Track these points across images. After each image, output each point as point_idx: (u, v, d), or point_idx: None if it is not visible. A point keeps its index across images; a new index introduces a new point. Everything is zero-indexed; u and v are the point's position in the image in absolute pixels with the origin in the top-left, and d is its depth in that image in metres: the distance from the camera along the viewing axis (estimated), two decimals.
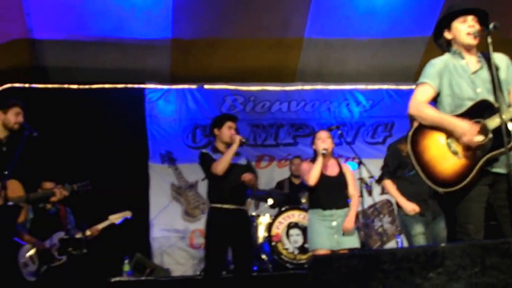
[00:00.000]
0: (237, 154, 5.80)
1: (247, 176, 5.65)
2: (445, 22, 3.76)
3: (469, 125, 3.47)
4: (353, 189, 5.81)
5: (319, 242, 5.46)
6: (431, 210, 5.43)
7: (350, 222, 5.60)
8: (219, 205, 5.63)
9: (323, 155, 5.55)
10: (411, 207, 5.42)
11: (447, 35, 3.77)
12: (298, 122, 9.38)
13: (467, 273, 2.35)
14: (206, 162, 5.70)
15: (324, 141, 5.62)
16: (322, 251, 5.39)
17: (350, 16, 8.46)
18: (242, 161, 5.88)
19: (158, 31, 8.25)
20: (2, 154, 4.95)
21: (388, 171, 5.68)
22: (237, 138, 5.64)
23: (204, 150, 5.84)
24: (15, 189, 4.82)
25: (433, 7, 8.04)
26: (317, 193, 5.59)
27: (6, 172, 4.69)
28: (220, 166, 5.54)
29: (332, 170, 5.66)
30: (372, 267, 2.59)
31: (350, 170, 5.92)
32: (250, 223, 6.22)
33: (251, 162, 6.11)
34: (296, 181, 8.31)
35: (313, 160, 5.69)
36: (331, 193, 5.58)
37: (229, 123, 5.79)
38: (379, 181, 5.96)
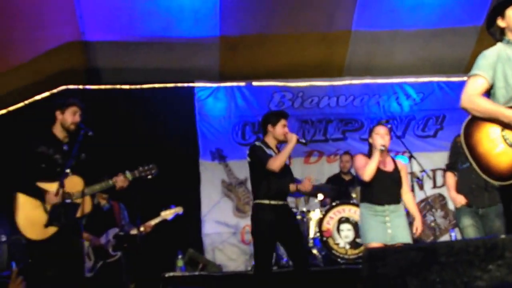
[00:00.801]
0: None
1: (308, 187, 5.71)
2: (499, 10, 3.67)
3: None
4: (407, 187, 5.73)
5: (372, 236, 5.37)
6: (478, 201, 5.43)
7: (421, 224, 5.57)
8: (266, 201, 5.63)
9: (381, 151, 5.47)
10: (457, 200, 5.60)
11: (501, 23, 3.67)
12: (347, 117, 9.35)
13: None
14: (260, 156, 5.64)
15: (383, 137, 5.53)
16: (375, 245, 5.33)
17: (397, 8, 8.35)
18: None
19: (206, 30, 8.33)
20: (63, 154, 5.05)
21: (450, 163, 5.87)
22: (294, 137, 5.62)
23: (257, 143, 5.81)
24: (75, 184, 4.90)
25: None
26: (371, 188, 5.46)
27: (66, 171, 4.78)
28: (277, 163, 5.48)
29: (388, 166, 5.56)
30: (430, 260, 2.56)
31: (405, 167, 5.84)
32: (295, 218, 6.25)
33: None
34: (346, 177, 8.28)
35: (369, 154, 5.63)
36: (385, 189, 5.46)
37: (283, 121, 5.78)
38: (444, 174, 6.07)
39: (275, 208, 5.58)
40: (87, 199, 5.05)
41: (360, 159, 5.64)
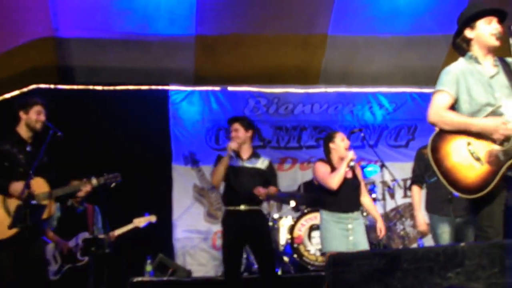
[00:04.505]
0: (257, 156, 5.90)
1: (260, 191, 5.72)
2: (469, 21, 3.70)
3: (495, 119, 3.45)
4: (365, 189, 5.81)
5: (335, 245, 5.35)
6: (456, 211, 5.42)
7: (383, 225, 5.65)
8: (232, 208, 5.74)
9: (351, 167, 5.51)
10: (420, 227, 5.62)
11: (469, 33, 3.71)
12: (321, 125, 9.35)
13: (486, 274, 2.33)
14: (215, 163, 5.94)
15: (347, 146, 5.56)
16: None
17: (373, 14, 8.37)
18: (259, 164, 5.95)
19: (181, 28, 8.22)
20: (27, 154, 4.98)
21: (415, 176, 5.74)
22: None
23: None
24: (40, 185, 4.84)
25: (457, 6, 7.91)
26: (335, 196, 5.45)
27: (31, 172, 4.69)
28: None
29: (348, 173, 5.55)
30: (393, 266, 2.58)
31: (359, 170, 5.88)
32: (266, 223, 6.27)
33: (273, 165, 6.13)
34: None
35: (328, 160, 5.62)
36: (348, 196, 5.50)
37: None
38: (410, 187, 5.94)
39: (242, 214, 5.64)
40: (51, 201, 5.01)
41: (322, 167, 5.60)
